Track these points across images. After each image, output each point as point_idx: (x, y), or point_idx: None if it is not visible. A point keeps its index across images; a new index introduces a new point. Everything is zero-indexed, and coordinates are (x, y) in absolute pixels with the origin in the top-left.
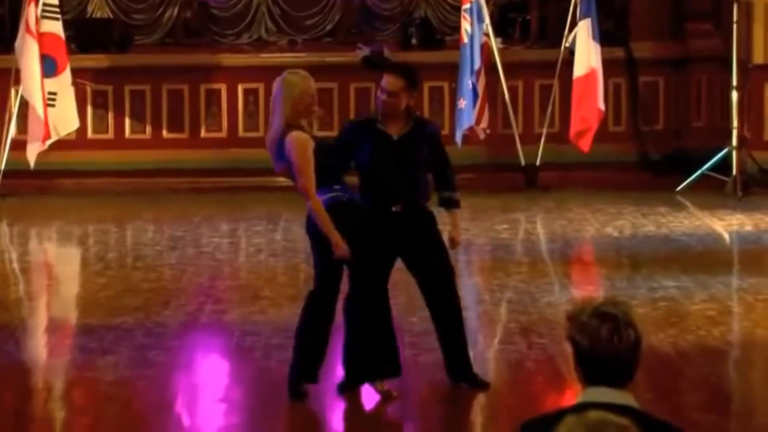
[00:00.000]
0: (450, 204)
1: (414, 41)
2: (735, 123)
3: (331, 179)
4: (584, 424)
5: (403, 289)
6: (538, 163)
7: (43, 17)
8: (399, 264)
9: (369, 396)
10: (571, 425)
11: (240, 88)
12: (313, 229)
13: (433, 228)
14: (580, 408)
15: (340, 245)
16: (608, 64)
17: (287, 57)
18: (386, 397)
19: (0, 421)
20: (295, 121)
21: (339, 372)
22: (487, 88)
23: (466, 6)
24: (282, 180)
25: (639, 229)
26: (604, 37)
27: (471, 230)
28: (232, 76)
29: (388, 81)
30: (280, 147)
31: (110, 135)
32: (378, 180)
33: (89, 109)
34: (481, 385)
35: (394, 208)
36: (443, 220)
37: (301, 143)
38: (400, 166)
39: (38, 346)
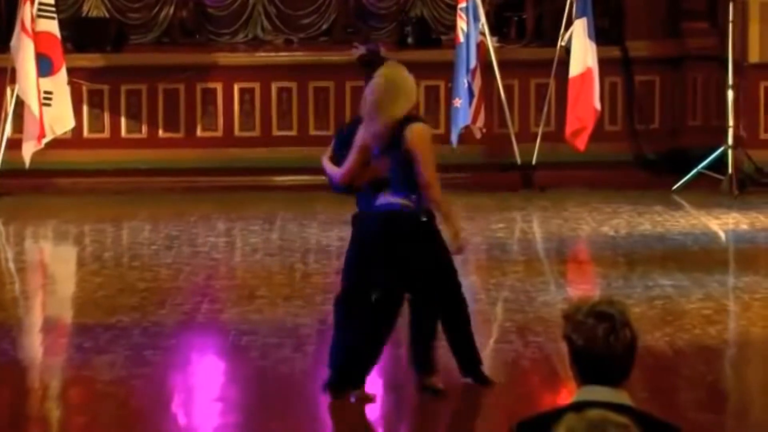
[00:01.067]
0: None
1: (410, 40)
2: (731, 122)
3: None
4: (585, 423)
5: None
6: (534, 162)
7: (39, 16)
8: None
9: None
10: (571, 424)
11: (236, 87)
12: (376, 238)
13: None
14: (580, 407)
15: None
16: (604, 63)
17: (283, 56)
18: (368, 401)
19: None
20: (410, 112)
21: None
22: (483, 87)
23: (462, 5)
24: (278, 179)
25: (635, 228)
26: (600, 35)
27: (467, 229)
28: (228, 75)
29: None
30: (392, 139)
31: (106, 134)
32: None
33: (85, 109)
34: (484, 382)
35: None
36: None
37: (426, 135)
38: None
39: (34, 345)
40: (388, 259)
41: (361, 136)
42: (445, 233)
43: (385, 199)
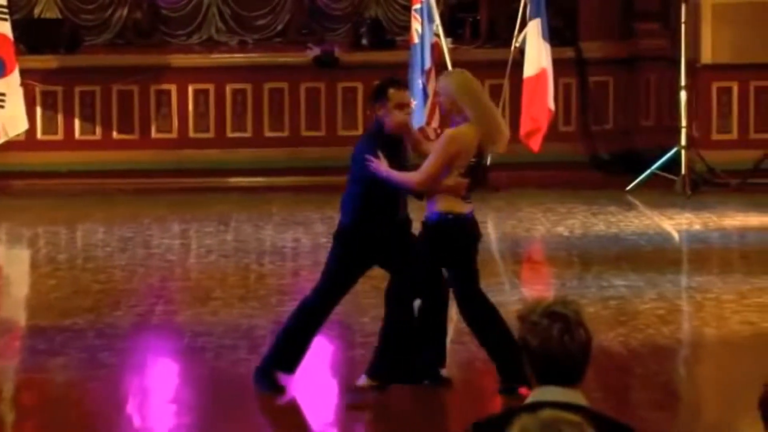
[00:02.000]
0: None
1: (364, 41)
2: (684, 122)
3: None
4: (538, 422)
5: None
6: (488, 162)
7: None
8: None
9: (324, 394)
10: (525, 424)
11: (191, 88)
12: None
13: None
14: (533, 407)
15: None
16: (558, 64)
17: (238, 57)
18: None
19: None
20: None
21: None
22: (438, 88)
23: (417, 6)
24: (233, 180)
25: (589, 229)
26: (554, 36)
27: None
28: (183, 76)
29: (406, 95)
30: None
31: (60, 136)
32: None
33: (38, 110)
34: (443, 383)
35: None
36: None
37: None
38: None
39: None
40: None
41: (446, 145)
42: None
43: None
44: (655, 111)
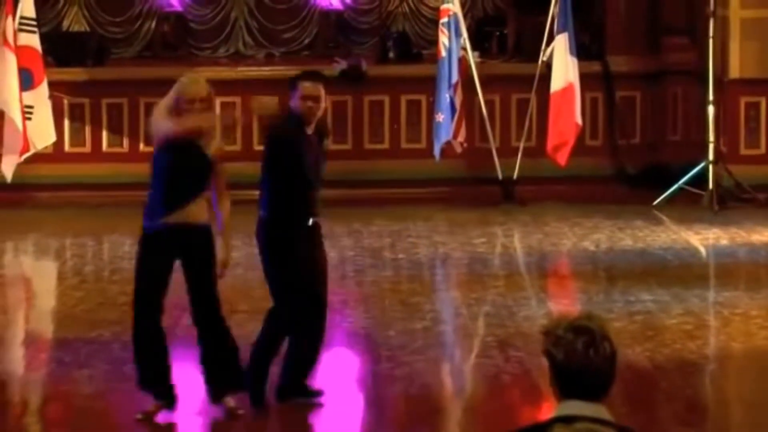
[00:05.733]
0: None
1: (391, 55)
2: (711, 137)
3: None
4: None
5: (376, 303)
6: (515, 176)
7: (20, 30)
8: (373, 276)
9: (349, 408)
10: None
11: (217, 101)
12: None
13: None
14: (568, 420)
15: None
16: (585, 78)
17: (264, 70)
18: (233, 414)
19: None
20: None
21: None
22: (465, 102)
23: (444, 20)
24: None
25: (616, 243)
26: (581, 51)
27: (448, 244)
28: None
29: (315, 87)
30: None
31: (87, 148)
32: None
33: (66, 123)
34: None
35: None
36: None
37: None
38: (319, 177)
39: (14, 360)
40: None
41: None
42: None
43: None
44: (682, 125)
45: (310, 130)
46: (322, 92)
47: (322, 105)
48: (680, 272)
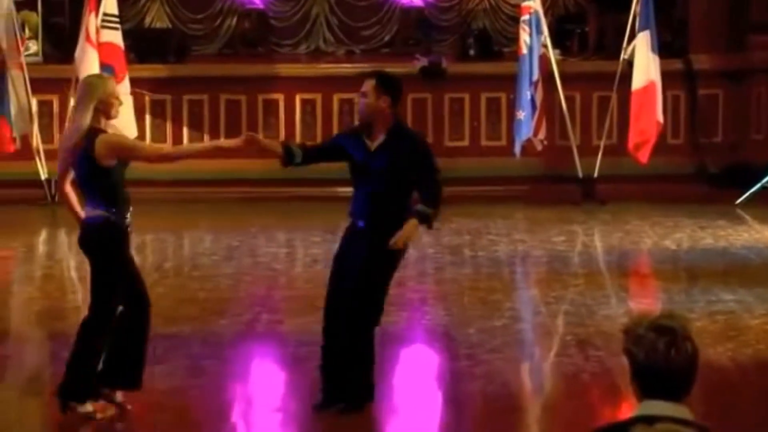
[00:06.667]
0: (416, 214)
1: (472, 52)
2: None
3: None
4: None
5: (456, 300)
6: (595, 174)
7: (103, 27)
8: (453, 274)
9: (428, 405)
10: None
11: (297, 98)
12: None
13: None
14: (649, 420)
15: None
16: (667, 76)
17: (344, 67)
18: (122, 409)
19: (53, 429)
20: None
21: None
22: (545, 100)
23: (525, 17)
24: (341, 190)
25: (697, 242)
26: (663, 48)
27: (528, 242)
28: (290, 86)
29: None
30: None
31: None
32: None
33: (147, 118)
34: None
35: (359, 223)
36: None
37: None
38: (368, 180)
39: None
40: None
41: None
42: None
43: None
44: (766, 124)
45: (368, 134)
46: (368, 87)
47: (365, 100)
48: (763, 272)
